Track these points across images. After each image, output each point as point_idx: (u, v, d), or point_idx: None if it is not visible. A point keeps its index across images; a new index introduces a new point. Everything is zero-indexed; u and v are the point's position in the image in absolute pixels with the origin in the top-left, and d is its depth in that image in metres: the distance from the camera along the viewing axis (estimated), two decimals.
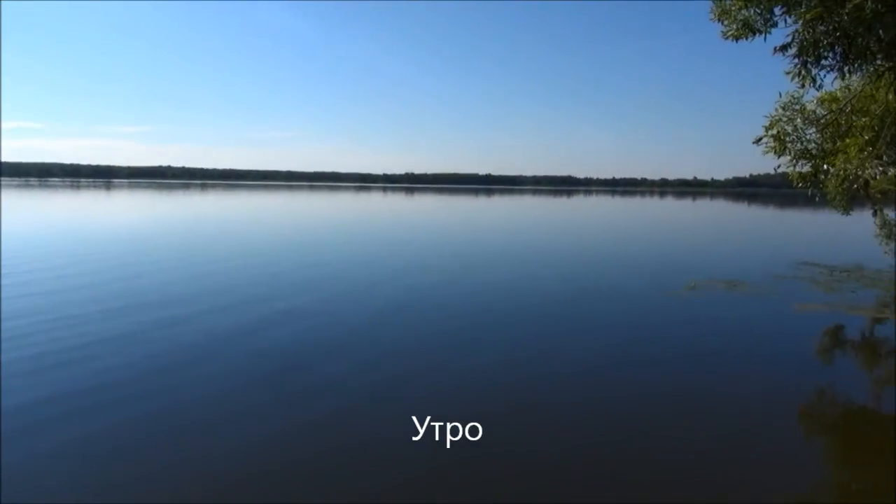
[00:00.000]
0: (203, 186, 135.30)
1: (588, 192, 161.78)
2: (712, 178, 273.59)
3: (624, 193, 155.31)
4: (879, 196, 16.55)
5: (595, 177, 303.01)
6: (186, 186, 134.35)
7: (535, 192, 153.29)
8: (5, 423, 6.36)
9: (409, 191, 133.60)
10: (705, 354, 9.67)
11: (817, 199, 10.67)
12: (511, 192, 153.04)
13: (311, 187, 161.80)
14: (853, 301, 13.78)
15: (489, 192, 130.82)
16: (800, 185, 9.63)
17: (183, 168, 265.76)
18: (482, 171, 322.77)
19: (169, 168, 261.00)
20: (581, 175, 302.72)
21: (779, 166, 9.40)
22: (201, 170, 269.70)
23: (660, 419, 7.00)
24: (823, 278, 16.85)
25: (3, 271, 15.08)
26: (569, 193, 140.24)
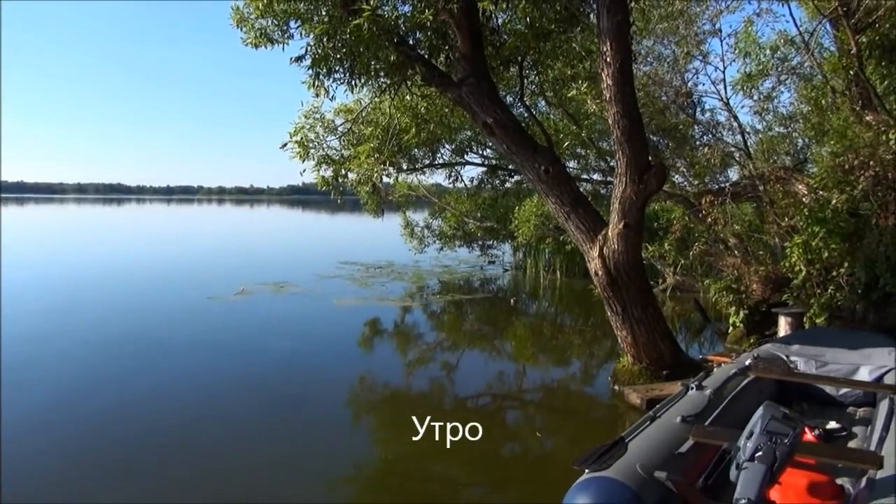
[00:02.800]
0: None
1: (141, 201, 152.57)
2: (268, 186, 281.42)
3: (181, 201, 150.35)
4: (401, 199, 18.95)
5: (148, 184, 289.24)
6: None
7: (79, 200, 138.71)
8: None
9: None
10: (256, 354, 9.76)
11: (339, 201, 11.67)
12: (51, 200, 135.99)
13: None
14: (384, 293, 15.43)
15: (21, 202, 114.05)
16: (323, 188, 10.46)
17: None
18: (12, 178, 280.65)
19: None
20: (132, 183, 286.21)
21: (304, 171, 10.09)
22: None
23: (221, 419, 6.90)
24: (360, 275, 18.47)
25: None
26: (119, 202, 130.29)
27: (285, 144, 9.53)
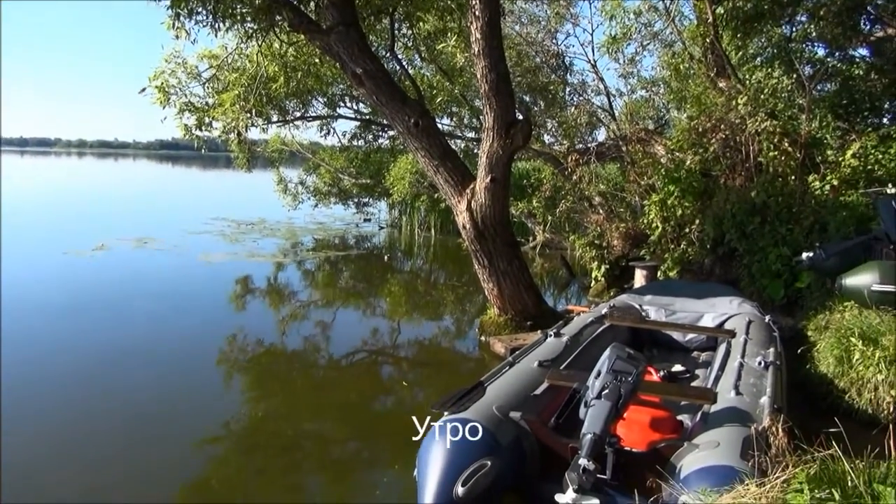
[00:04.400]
0: None
1: None
2: (134, 140, 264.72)
3: (36, 154, 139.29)
4: (274, 155, 18.46)
5: None
6: None
7: None
8: None
9: None
10: (121, 313, 9.22)
11: (203, 151, 11.19)
12: None
13: None
14: (255, 250, 15.01)
15: None
16: (187, 137, 9.99)
17: None
18: None
19: None
20: None
21: (165, 118, 9.56)
22: None
23: (91, 383, 6.47)
24: (231, 231, 17.90)
25: None
26: None
27: (144, 89, 8.96)
